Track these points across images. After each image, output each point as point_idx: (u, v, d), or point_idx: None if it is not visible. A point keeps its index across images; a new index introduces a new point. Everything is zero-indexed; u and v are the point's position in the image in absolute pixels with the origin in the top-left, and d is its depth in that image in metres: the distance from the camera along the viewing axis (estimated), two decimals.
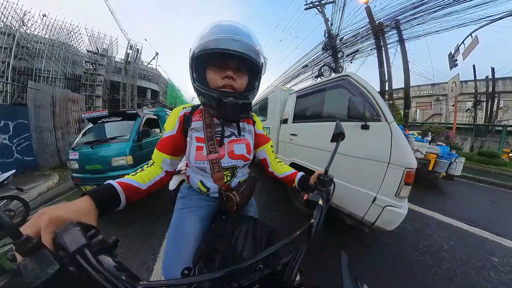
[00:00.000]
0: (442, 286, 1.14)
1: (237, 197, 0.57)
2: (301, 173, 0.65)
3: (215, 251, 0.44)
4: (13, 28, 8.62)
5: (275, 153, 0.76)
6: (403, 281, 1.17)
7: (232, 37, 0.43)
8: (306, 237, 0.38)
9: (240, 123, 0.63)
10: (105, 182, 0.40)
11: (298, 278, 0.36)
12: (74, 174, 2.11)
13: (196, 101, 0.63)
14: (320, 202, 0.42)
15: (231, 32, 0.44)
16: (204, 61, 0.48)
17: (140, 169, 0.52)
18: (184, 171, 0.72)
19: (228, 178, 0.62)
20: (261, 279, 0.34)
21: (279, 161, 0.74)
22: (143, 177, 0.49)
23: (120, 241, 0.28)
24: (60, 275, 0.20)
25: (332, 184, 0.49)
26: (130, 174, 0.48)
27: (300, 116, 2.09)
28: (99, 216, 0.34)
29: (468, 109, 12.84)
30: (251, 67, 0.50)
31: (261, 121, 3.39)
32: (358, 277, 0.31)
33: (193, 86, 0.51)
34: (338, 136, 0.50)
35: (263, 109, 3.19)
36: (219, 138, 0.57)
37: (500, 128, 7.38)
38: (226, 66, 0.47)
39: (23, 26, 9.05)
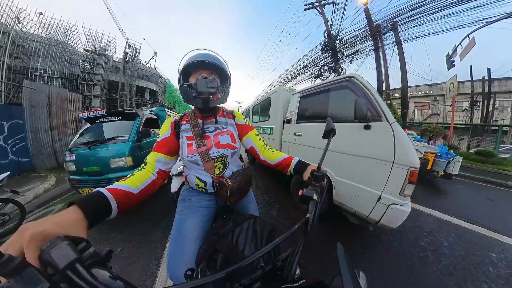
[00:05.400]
0: (443, 281, 1.17)
1: (229, 181, 0.59)
2: (297, 158, 0.66)
3: (217, 251, 0.45)
4: (8, 26, 8.47)
5: (263, 141, 0.77)
6: (406, 276, 1.20)
7: (204, 54, 0.63)
8: (303, 232, 0.39)
9: (222, 118, 0.72)
10: (94, 190, 0.39)
11: (298, 271, 0.37)
12: (71, 176, 2.06)
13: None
14: (315, 197, 0.42)
15: (203, 53, 0.64)
16: (188, 72, 0.64)
17: (130, 175, 0.51)
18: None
19: (221, 170, 0.66)
20: (262, 276, 0.34)
21: (270, 148, 0.75)
22: (134, 181, 0.48)
23: (113, 251, 0.27)
24: None
25: (326, 179, 0.50)
26: (120, 181, 0.47)
27: (304, 116, 2.09)
28: (89, 226, 0.32)
29: (465, 109, 13.03)
30: (220, 75, 0.66)
31: (263, 121, 3.31)
32: (354, 265, 0.32)
33: (179, 87, 0.62)
34: (329, 133, 0.51)
35: (265, 109, 3.19)
36: (205, 134, 0.66)
37: (496, 127, 7.50)
38: (201, 71, 0.62)
39: (18, 24, 8.91)
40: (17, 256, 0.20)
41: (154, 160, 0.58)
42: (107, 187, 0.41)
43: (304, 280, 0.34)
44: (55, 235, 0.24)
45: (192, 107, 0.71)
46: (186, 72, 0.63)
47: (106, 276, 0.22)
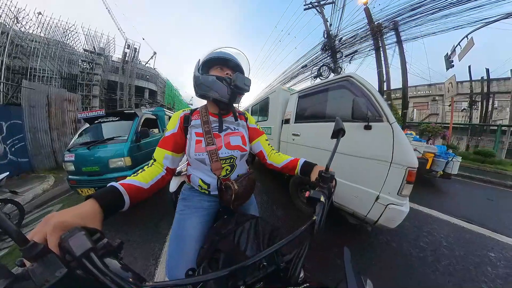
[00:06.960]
0: (443, 281, 1.17)
1: (235, 185, 0.58)
2: (303, 159, 0.65)
3: (219, 250, 0.45)
4: (7, 26, 8.45)
5: (271, 146, 0.77)
6: (405, 277, 1.19)
7: (232, 53, 0.66)
8: (309, 234, 0.38)
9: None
10: (108, 185, 0.41)
11: (302, 274, 0.36)
12: (70, 176, 2.06)
13: (194, 101, 0.68)
14: (322, 198, 0.41)
15: (233, 52, 0.66)
16: (209, 66, 0.63)
17: (140, 170, 0.53)
18: (185, 172, 0.72)
19: (228, 172, 0.64)
20: (265, 276, 0.34)
21: (276, 152, 0.74)
22: (145, 177, 0.50)
23: (124, 243, 0.28)
24: (68, 278, 0.21)
25: (334, 181, 0.48)
26: (132, 175, 0.48)
27: (302, 116, 2.09)
28: (104, 218, 0.34)
29: (464, 109, 13.04)
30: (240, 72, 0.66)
31: (262, 121, 3.29)
32: (361, 272, 0.31)
33: (198, 77, 0.59)
34: (338, 133, 0.50)
35: (264, 109, 3.18)
36: (216, 132, 0.63)
37: (495, 127, 7.52)
38: (225, 68, 0.63)
39: (17, 24, 8.88)
40: (41, 243, 0.21)
41: (161, 157, 0.58)
42: (120, 181, 0.43)
43: (307, 284, 0.34)
44: (74, 225, 0.25)
45: (205, 102, 0.69)
46: (205, 65, 0.63)
47: (117, 266, 0.24)
